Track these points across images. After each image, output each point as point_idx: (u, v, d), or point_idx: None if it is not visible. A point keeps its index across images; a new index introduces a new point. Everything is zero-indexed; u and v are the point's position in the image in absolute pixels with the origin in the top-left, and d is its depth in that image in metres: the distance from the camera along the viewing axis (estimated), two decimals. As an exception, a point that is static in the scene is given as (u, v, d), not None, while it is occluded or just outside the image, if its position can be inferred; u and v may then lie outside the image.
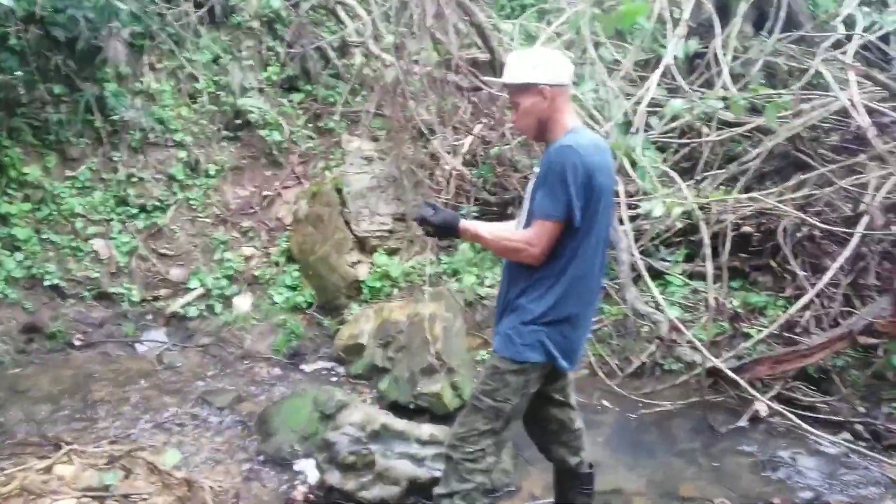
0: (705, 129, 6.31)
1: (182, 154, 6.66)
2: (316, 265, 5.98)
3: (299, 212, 6.25)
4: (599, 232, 2.85)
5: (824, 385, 4.80)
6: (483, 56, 6.87)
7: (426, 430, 4.07)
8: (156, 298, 6.05)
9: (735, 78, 6.57)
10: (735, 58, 6.85)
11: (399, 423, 4.08)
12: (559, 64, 2.86)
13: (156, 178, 6.53)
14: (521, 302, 2.87)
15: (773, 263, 5.56)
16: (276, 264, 6.33)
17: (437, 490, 2.96)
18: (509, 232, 2.97)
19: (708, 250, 5.06)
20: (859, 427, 4.40)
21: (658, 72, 5.98)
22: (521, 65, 2.86)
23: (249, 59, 7.33)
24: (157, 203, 6.43)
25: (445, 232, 2.92)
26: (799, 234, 5.35)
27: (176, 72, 7.02)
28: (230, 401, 4.91)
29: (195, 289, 6.07)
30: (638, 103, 5.76)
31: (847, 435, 4.36)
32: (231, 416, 4.75)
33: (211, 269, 6.24)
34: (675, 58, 6.16)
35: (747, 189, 6.03)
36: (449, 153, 6.42)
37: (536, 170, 2.88)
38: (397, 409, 4.66)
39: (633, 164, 5.44)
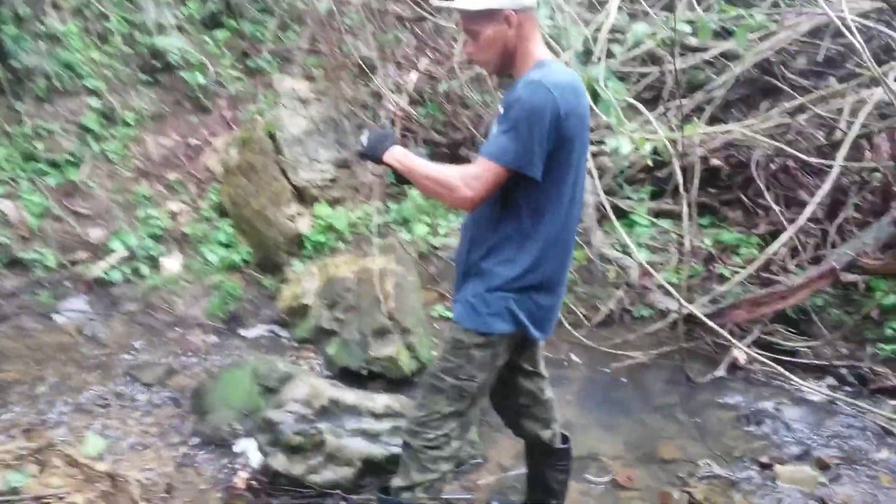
0: (668, 57, 5.87)
1: (95, 102, 5.95)
2: (251, 219, 5.43)
3: (230, 161, 5.66)
4: (575, 184, 2.40)
5: (803, 326, 4.51)
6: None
7: (381, 401, 3.66)
8: (74, 263, 5.40)
9: (695, -1, 6.11)
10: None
11: (350, 396, 3.65)
12: None
13: (67, 129, 5.82)
14: (487, 265, 2.42)
15: (744, 198, 5.21)
16: (208, 220, 5.73)
17: (396, 482, 2.54)
18: (443, 166, 2.44)
19: (681, 188, 4.66)
20: (843, 371, 4.14)
21: (617, -6, 5.48)
22: None
23: (166, -7, 6.61)
24: (70, 157, 5.74)
25: (371, 155, 2.45)
26: (773, 166, 5.00)
27: (82, 10, 6.25)
28: (160, 375, 4.38)
29: (118, 250, 5.46)
30: (598, 30, 5.27)
31: (831, 380, 4.10)
32: (162, 392, 4.23)
33: (134, 227, 5.61)
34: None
35: (713, 119, 5.66)
36: (393, 91, 5.87)
37: (500, 108, 2.40)
38: (348, 375, 4.24)
39: (595, 96, 4.98)
